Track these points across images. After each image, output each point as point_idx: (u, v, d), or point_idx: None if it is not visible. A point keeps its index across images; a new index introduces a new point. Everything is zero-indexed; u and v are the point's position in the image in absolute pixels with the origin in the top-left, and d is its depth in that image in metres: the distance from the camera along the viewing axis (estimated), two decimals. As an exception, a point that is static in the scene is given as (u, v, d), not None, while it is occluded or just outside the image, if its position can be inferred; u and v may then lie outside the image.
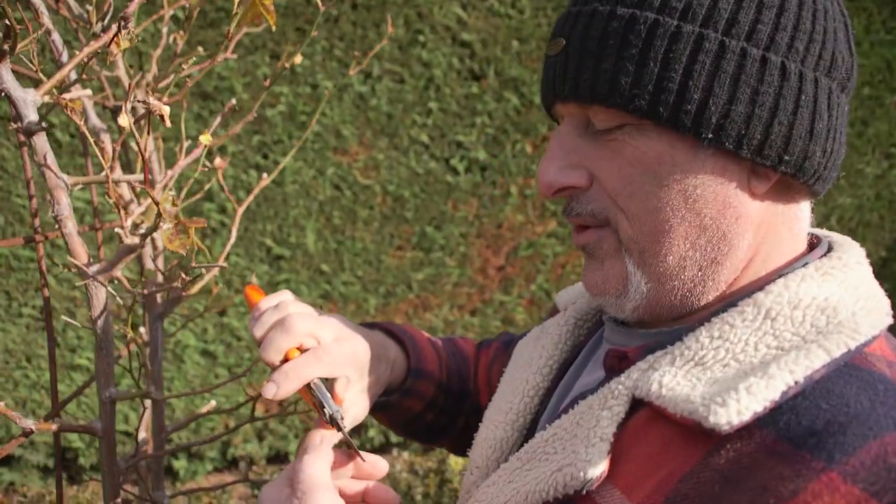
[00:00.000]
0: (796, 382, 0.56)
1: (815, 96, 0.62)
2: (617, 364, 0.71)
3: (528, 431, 0.81)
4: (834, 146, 0.65)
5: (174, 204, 0.61)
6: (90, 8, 1.04)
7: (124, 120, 0.55)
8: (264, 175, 1.20)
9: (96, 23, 1.00)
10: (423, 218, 3.11)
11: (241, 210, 1.21)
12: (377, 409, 0.92)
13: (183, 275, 0.68)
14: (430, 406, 0.96)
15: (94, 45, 0.74)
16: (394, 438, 3.40)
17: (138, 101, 0.56)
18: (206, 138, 0.67)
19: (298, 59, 1.14)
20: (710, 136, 0.61)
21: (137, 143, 0.55)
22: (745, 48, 0.60)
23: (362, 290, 3.12)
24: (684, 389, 0.59)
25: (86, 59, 0.77)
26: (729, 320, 0.63)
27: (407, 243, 3.13)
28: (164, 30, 1.20)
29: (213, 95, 2.71)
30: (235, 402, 3.03)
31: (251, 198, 1.21)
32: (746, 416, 0.55)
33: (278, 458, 3.32)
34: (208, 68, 0.79)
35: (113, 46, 0.63)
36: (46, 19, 0.96)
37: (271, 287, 2.99)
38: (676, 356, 0.63)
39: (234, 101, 0.92)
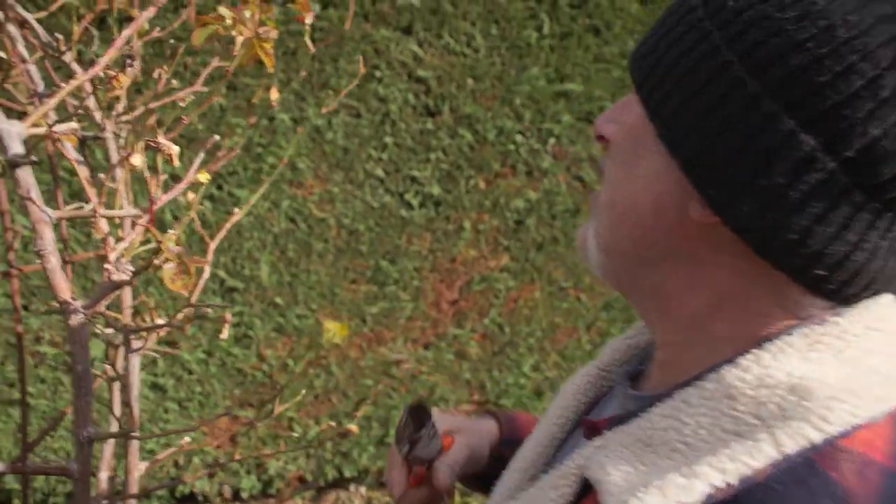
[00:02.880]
0: (728, 485, 0.46)
1: None
2: (590, 436, 0.64)
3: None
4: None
5: (177, 243, 0.61)
6: (59, 36, 1.03)
7: (137, 160, 0.55)
8: (235, 210, 1.20)
9: (65, 52, 0.99)
10: (377, 251, 3.11)
11: (212, 245, 1.19)
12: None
13: (186, 312, 0.68)
14: None
15: (83, 77, 0.74)
16: (348, 473, 3.34)
17: (149, 140, 0.56)
18: (204, 176, 0.67)
19: (275, 94, 1.15)
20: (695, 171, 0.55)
21: (147, 181, 0.55)
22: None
23: (316, 323, 3.09)
24: (619, 477, 0.52)
25: (75, 92, 0.77)
26: (685, 397, 0.54)
27: (361, 277, 3.13)
28: (137, 62, 1.19)
29: (169, 128, 2.68)
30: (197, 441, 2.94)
31: (222, 233, 1.20)
32: None
33: (235, 496, 3.22)
34: (205, 107, 0.80)
35: (115, 81, 0.63)
36: (22, 48, 0.95)
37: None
38: (628, 434, 0.56)
39: (217, 137, 0.92)
